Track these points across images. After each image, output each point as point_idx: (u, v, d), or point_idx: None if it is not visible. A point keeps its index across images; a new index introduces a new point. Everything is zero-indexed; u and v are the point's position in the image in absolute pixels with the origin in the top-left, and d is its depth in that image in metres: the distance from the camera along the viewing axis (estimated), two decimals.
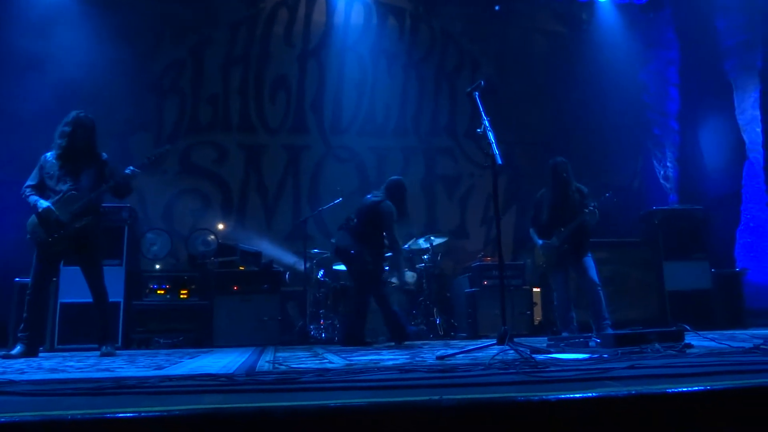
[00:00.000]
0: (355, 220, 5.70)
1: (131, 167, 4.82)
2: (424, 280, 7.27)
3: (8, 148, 6.92)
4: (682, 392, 1.50)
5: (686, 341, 3.17)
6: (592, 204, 5.28)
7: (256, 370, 2.83)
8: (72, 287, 5.87)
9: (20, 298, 5.73)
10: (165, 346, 6.36)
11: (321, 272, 7.29)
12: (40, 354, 4.83)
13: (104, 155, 4.89)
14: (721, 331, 6.18)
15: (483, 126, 3.59)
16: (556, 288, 5.54)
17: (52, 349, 5.98)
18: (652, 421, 1.46)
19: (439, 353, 3.39)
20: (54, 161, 4.72)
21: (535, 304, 7.41)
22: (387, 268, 6.52)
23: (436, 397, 1.44)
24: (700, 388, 1.53)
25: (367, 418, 1.38)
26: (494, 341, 3.32)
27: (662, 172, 9.33)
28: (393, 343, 5.46)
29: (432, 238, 7.43)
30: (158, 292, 6.67)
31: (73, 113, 4.75)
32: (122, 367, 3.23)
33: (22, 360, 4.22)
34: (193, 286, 6.76)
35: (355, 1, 9.24)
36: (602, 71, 9.16)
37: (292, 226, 8.35)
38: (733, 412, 1.50)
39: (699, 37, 8.91)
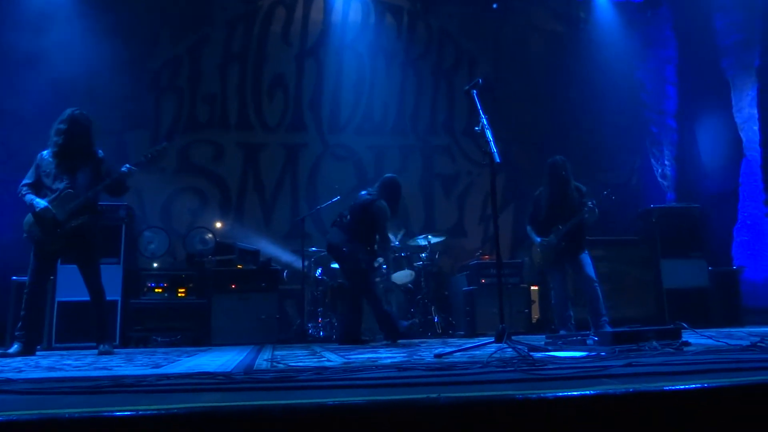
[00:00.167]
0: (348, 218, 5.68)
1: (127, 165, 4.80)
2: (422, 279, 7.27)
3: (5, 146, 6.91)
4: (680, 390, 1.51)
5: (683, 339, 3.18)
6: (591, 201, 5.29)
7: (254, 368, 2.82)
8: (69, 286, 5.86)
9: (18, 296, 5.73)
10: (163, 345, 6.36)
11: (319, 270, 7.29)
12: (38, 352, 4.82)
13: (100, 153, 4.87)
14: (719, 328, 6.20)
15: (481, 124, 3.59)
16: (554, 286, 5.55)
17: (49, 348, 5.98)
18: (650, 418, 1.46)
19: (437, 351, 3.39)
20: (50, 159, 4.70)
21: (533, 302, 7.42)
22: (384, 266, 6.52)
23: (434, 395, 1.44)
24: (697, 385, 1.53)
25: (365, 417, 1.38)
26: (492, 339, 3.32)
27: (660, 170, 9.34)
28: (388, 342, 5.45)
29: (430, 236, 7.44)
30: (156, 290, 6.66)
31: (69, 111, 4.73)
32: (120, 366, 3.22)
33: (19, 359, 4.21)
34: (190, 285, 6.76)
35: None
36: (600, 69, 9.17)
37: (290, 225, 8.35)
38: (731, 410, 1.51)
39: (697, 36, 8.92)
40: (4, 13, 7.53)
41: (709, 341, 3.50)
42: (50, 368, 3.14)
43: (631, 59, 9.51)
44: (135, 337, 6.45)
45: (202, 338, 6.55)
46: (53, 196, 4.63)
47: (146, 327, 6.51)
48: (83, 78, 7.55)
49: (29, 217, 4.64)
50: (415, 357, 3.28)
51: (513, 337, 3.31)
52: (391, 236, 6.06)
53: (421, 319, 7.06)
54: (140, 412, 1.34)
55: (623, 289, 7.11)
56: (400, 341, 5.38)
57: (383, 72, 9.30)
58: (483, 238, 9.07)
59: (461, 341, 5.44)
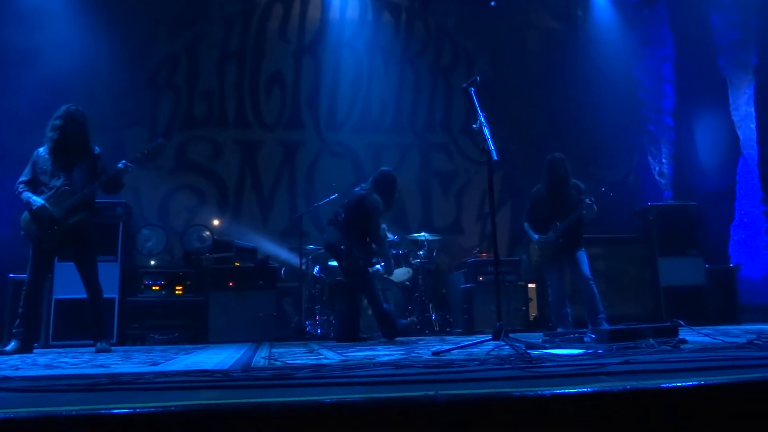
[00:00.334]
0: (343, 215, 5.65)
1: (124, 162, 4.79)
2: (419, 276, 7.27)
3: (1, 144, 6.88)
4: (677, 387, 1.51)
5: (680, 336, 3.19)
6: (590, 198, 5.30)
7: (252, 366, 2.82)
8: (66, 283, 5.83)
9: (15, 294, 5.72)
10: (160, 343, 6.34)
11: (317, 268, 7.29)
12: (35, 350, 4.81)
13: (97, 149, 4.86)
14: (715, 326, 6.22)
15: (479, 122, 3.59)
16: (551, 284, 5.56)
17: (46, 346, 5.96)
18: (647, 416, 1.46)
19: (434, 349, 3.40)
20: (46, 156, 4.69)
21: (531, 299, 7.43)
22: (380, 265, 6.51)
23: (432, 393, 1.44)
24: (694, 383, 1.54)
25: (363, 414, 1.39)
26: (490, 337, 3.33)
27: (657, 168, 9.35)
28: (386, 340, 5.45)
29: (426, 234, 7.45)
30: (153, 288, 6.65)
31: (64, 107, 4.72)
32: (117, 364, 3.22)
33: (16, 356, 4.20)
34: (188, 282, 6.75)
35: None
36: (597, 67, 9.17)
37: (287, 222, 8.35)
38: (728, 407, 1.51)
39: (694, 34, 8.92)
40: None
41: (706, 339, 3.51)
42: (47, 366, 3.14)
43: (629, 57, 9.52)
44: (132, 335, 6.45)
45: (199, 336, 6.54)
46: (50, 193, 4.62)
47: (143, 325, 6.49)
48: (79, 75, 7.53)
49: (26, 215, 4.63)
50: (412, 354, 3.28)
51: (510, 335, 3.31)
52: (388, 232, 6.00)
53: (418, 317, 7.07)
54: (138, 410, 1.34)
55: (620, 287, 7.12)
56: (397, 339, 5.38)
57: (381, 70, 9.29)
58: (480, 235, 9.08)
59: (459, 339, 5.44)
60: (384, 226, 5.77)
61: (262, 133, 8.84)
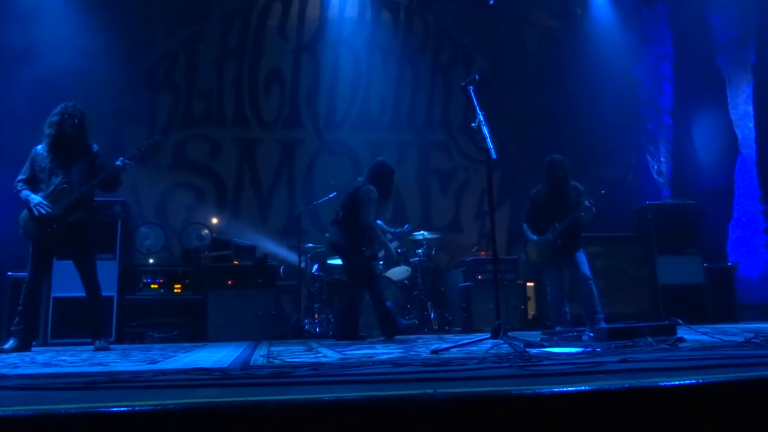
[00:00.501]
0: (341, 212, 5.63)
1: (122, 159, 4.78)
2: (418, 275, 7.28)
3: None
4: (675, 386, 1.51)
5: (678, 335, 3.19)
6: (589, 201, 5.30)
7: (251, 364, 2.82)
8: (65, 281, 5.84)
9: (13, 292, 5.72)
10: (159, 341, 6.35)
11: (315, 266, 7.28)
12: (33, 348, 4.81)
13: (95, 147, 4.86)
14: (713, 325, 6.23)
15: (477, 120, 3.58)
16: (550, 282, 5.56)
17: (45, 344, 5.96)
18: (645, 414, 1.47)
19: (433, 347, 3.40)
20: (45, 154, 4.69)
21: (529, 298, 7.44)
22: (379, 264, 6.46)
23: (431, 391, 1.44)
24: (692, 381, 1.54)
25: (362, 412, 1.39)
26: (488, 335, 3.33)
27: (656, 167, 9.36)
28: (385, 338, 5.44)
29: (425, 233, 7.45)
30: (152, 286, 6.65)
31: (62, 104, 4.73)
32: (116, 362, 3.22)
33: (15, 354, 4.20)
34: (187, 281, 6.74)
35: None
36: (596, 66, 9.17)
37: (286, 221, 8.35)
38: (725, 406, 1.51)
39: (693, 33, 8.92)
40: None
41: (704, 337, 3.52)
42: (46, 364, 3.14)
43: (628, 56, 9.52)
44: (131, 333, 6.45)
45: (198, 334, 6.54)
46: (48, 191, 4.62)
47: (142, 323, 6.50)
48: (78, 74, 7.52)
49: (25, 214, 4.62)
50: (411, 353, 3.28)
51: (509, 333, 3.31)
52: (380, 222, 5.86)
53: (417, 315, 7.07)
54: (136, 408, 1.34)
55: (619, 286, 7.13)
56: (396, 338, 5.38)
57: (380, 68, 9.29)
58: (479, 234, 9.08)
59: (457, 337, 5.44)
60: (380, 222, 5.72)
61: (260, 132, 8.84)
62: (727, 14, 8.47)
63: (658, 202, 8.01)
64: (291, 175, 8.77)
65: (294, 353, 3.64)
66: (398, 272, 7.17)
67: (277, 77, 8.99)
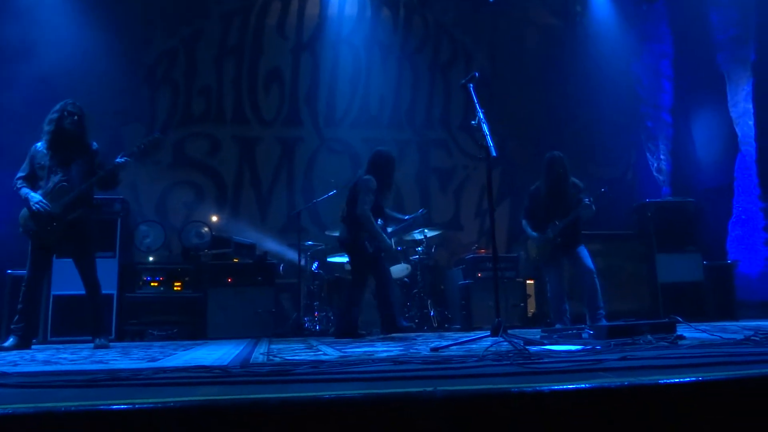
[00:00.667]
0: (346, 209, 5.59)
1: (121, 156, 4.78)
2: (418, 272, 7.27)
3: None
4: (674, 383, 1.51)
5: (678, 333, 3.20)
6: (588, 198, 5.29)
7: (251, 362, 2.83)
8: (65, 279, 5.85)
9: (13, 290, 5.72)
10: (159, 339, 6.35)
11: (315, 264, 7.29)
12: (33, 346, 4.82)
13: (95, 145, 4.86)
14: (713, 322, 6.23)
15: (477, 118, 3.58)
16: (550, 280, 5.56)
17: (45, 342, 5.97)
18: (645, 411, 1.47)
19: (433, 345, 3.40)
20: (44, 151, 4.68)
21: (529, 296, 7.44)
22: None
23: (430, 389, 1.44)
24: (691, 379, 1.54)
25: (361, 410, 1.39)
26: (488, 333, 3.33)
27: (655, 165, 9.36)
28: (384, 335, 5.43)
29: (425, 230, 7.44)
30: (152, 284, 6.65)
31: (62, 102, 4.73)
32: (116, 360, 3.22)
33: (15, 352, 4.20)
34: (186, 279, 6.75)
35: None
36: (596, 64, 9.17)
37: (286, 219, 8.35)
38: (725, 403, 1.52)
39: (692, 31, 8.92)
40: None
41: (704, 335, 3.52)
42: (46, 362, 3.14)
43: (627, 54, 9.51)
44: (131, 331, 6.45)
45: (198, 332, 6.54)
46: (48, 189, 4.61)
47: (142, 321, 6.50)
48: (77, 72, 7.50)
49: (24, 212, 4.62)
50: (411, 350, 3.28)
51: (509, 331, 3.31)
52: (392, 212, 5.74)
53: (417, 313, 7.07)
54: (136, 406, 1.34)
55: (618, 283, 7.13)
56: (395, 335, 5.37)
57: (379, 66, 9.28)
58: (479, 232, 9.09)
59: (457, 335, 5.44)
60: (380, 221, 5.68)
61: (260, 130, 8.84)
62: (726, 12, 8.47)
63: (658, 199, 8.01)
64: (291, 173, 8.78)
65: (294, 351, 3.64)
66: (398, 270, 7.17)
67: (276, 75, 8.98)
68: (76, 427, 1.30)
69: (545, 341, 3.30)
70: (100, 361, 3.09)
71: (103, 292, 5.00)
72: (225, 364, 2.66)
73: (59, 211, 4.59)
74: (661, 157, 9.37)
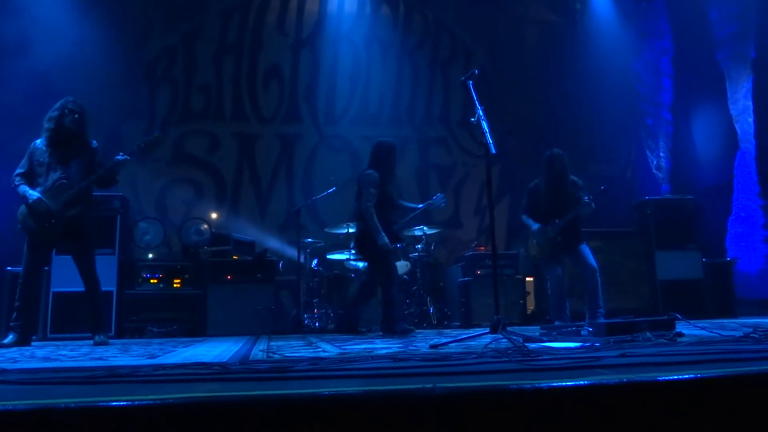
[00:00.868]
0: (354, 204, 5.51)
1: (122, 154, 4.78)
2: (417, 270, 7.28)
3: None
4: (673, 380, 1.51)
5: (677, 330, 3.20)
6: (588, 197, 5.29)
7: (250, 358, 2.83)
8: (64, 276, 5.85)
9: (12, 287, 5.71)
10: (158, 335, 6.35)
11: (315, 261, 7.29)
12: (33, 343, 4.82)
13: (94, 143, 4.85)
14: (712, 320, 6.23)
15: (477, 115, 3.58)
16: (550, 278, 5.56)
17: (44, 338, 5.97)
18: (644, 408, 1.47)
19: (432, 342, 3.40)
20: (43, 148, 4.68)
21: (528, 293, 7.44)
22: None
23: (430, 386, 1.44)
24: (690, 376, 1.54)
25: (361, 406, 1.39)
26: (487, 330, 3.33)
27: (655, 162, 9.36)
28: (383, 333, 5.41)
29: (424, 228, 7.45)
30: (151, 281, 6.65)
31: (63, 100, 4.72)
32: (115, 356, 3.22)
33: (14, 349, 4.20)
34: (186, 276, 6.75)
35: None
36: (595, 61, 9.17)
37: (285, 216, 8.34)
38: (724, 400, 1.52)
39: (692, 28, 8.91)
40: None
41: (703, 332, 3.52)
42: (45, 359, 3.14)
43: (627, 51, 9.51)
44: (130, 328, 6.45)
45: (197, 329, 6.54)
46: (46, 186, 4.61)
47: (141, 318, 6.50)
48: (76, 69, 7.50)
49: (23, 209, 4.62)
50: (410, 348, 3.28)
51: (508, 328, 3.32)
52: (404, 203, 5.68)
53: (416, 310, 7.08)
54: (136, 402, 1.34)
55: (618, 281, 7.13)
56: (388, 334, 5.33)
57: (379, 63, 9.28)
58: (478, 229, 9.09)
59: (456, 332, 5.45)
60: (405, 203, 5.59)
61: (259, 127, 8.83)
62: (726, 9, 8.46)
63: (658, 197, 8.00)
64: (290, 171, 8.77)
65: (293, 348, 3.65)
66: (398, 267, 7.15)
67: (276, 72, 8.97)
68: (76, 423, 1.30)
69: (544, 338, 3.29)
70: (100, 358, 3.10)
71: (103, 289, 5.00)
72: (224, 360, 2.66)
73: (58, 208, 4.59)
74: (661, 154, 9.37)
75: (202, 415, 1.34)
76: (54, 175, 4.63)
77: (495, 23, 9.65)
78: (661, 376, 1.53)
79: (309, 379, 1.80)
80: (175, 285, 6.70)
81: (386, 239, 5.14)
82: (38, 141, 4.73)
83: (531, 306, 7.50)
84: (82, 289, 4.84)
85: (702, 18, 8.67)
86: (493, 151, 3.47)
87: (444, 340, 3.38)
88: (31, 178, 4.69)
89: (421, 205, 5.60)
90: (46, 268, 5.86)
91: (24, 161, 4.73)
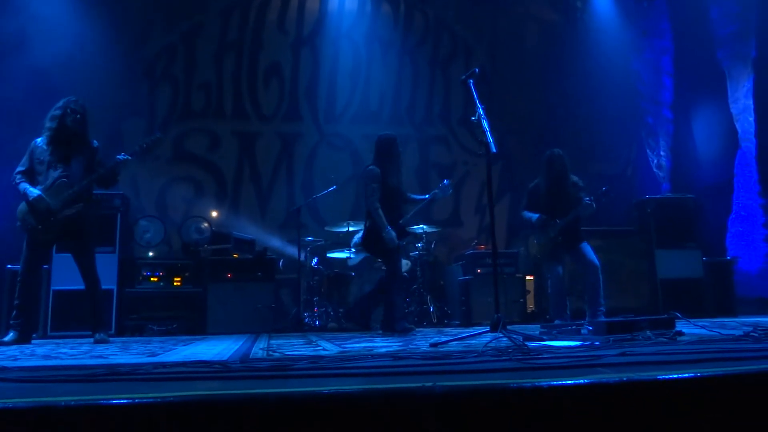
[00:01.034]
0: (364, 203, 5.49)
1: (123, 154, 4.78)
2: (417, 268, 7.28)
3: None
4: (673, 379, 1.52)
5: (677, 329, 3.20)
6: (589, 198, 5.27)
7: (250, 357, 2.83)
8: (64, 274, 5.85)
9: (12, 285, 5.71)
10: (158, 334, 6.35)
11: (315, 260, 7.29)
12: (33, 341, 4.82)
13: (95, 143, 4.86)
14: (712, 318, 6.24)
15: (477, 114, 3.57)
16: (550, 277, 5.56)
17: (45, 336, 5.97)
18: (644, 407, 1.47)
19: (432, 340, 3.41)
20: (44, 147, 4.69)
21: (528, 292, 7.44)
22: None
23: (430, 384, 1.44)
24: (690, 374, 1.54)
25: (361, 405, 1.39)
26: (487, 329, 3.33)
27: (655, 161, 9.36)
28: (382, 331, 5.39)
29: (424, 226, 7.45)
30: (152, 279, 6.66)
31: (65, 99, 4.74)
32: (116, 354, 3.22)
33: (15, 347, 4.20)
34: (186, 274, 6.75)
35: None
36: (596, 60, 9.16)
37: (286, 214, 8.34)
38: (723, 399, 1.52)
39: (693, 26, 8.91)
40: None
41: (703, 331, 3.52)
42: (46, 356, 3.14)
43: (628, 50, 9.50)
44: (130, 326, 6.45)
45: (197, 327, 6.55)
46: (47, 184, 4.62)
47: (142, 316, 6.50)
48: (76, 67, 7.49)
49: (23, 206, 4.62)
50: (410, 346, 3.28)
51: (508, 327, 3.32)
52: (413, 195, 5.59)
53: (416, 309, 7.08)
54: (136, 400, 1.34)
55: (618, 280, 7.13)
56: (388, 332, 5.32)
57: (379, 61, 9.27)
58: (479, 227, 9.09)
59: (457, 330, 5.45)
60: (413, 195, 5.56)
61: (260, 125, 8.83)
62: (727, 8, 8.46)
63: (658, 196, 8.00)
64: (290, 169, 8.77)
65: (293, 346, 3.65)
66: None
67: (276, 71, 8.97)
68: (76, 421, 1.31)
69: (544, 337, 3.30)
70: (100, 356, 3.10)
71: (103, 287, 5.01)
72: (224, 359, 2.66)
73: (58, 206, 4.59)
74: (661, 153, 9.36)
75: (203, 413, 1.34)
76: (54, 174, 4.64)
77: (495, 22, 9.65)
78: (661, 375, 1.53)
79: (309, 378, 1.80)
80: (175, 283, 6.70)
81: (393, 234, 5.10)
82: (39, 139, 4.74)
83: (531, 305, 7.50)
84: (82, 287, 4.84)
85: (703, 17, 8.67)
86: (494, 149, 3.46)
87: (444, 339, 3.39)
88: (31, 177, 4.69)
89: (427, 196, 5.52)
90: (46, 266, 5.86)
91: (25, 159, 4.73)
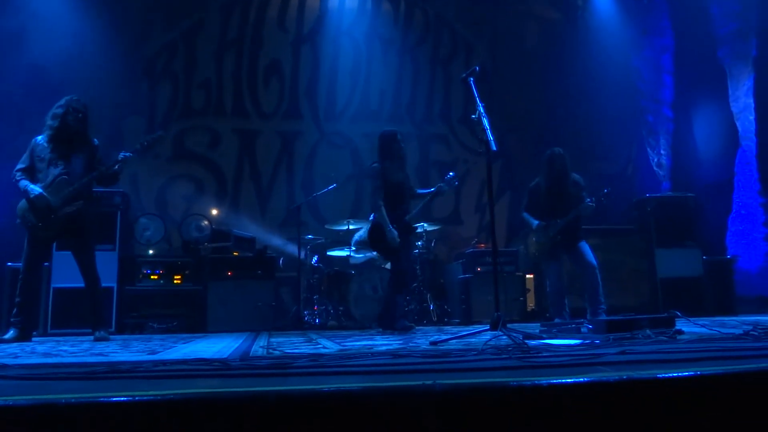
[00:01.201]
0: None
1: (124, 152, 4.79)
2: (418, 267, 7.28)
3: None
4: (673, 377, 1.52)
5: (677, 327, 3.20)
6: (590, 199, 5.27)
7: (250, 355, 2.83)
8: (65, 272, 5.85)
9: (12, 282, 5.72)
10: (159, 331, 6.36)
11: (315, 258, 7.29)
12: (34, 338, 4.82)
13: (96, 141, 4.87)
14: (712, 317, 6.24)
15: (478, 112, 3.57)
16: (550, 275, 5.56)
17: (45, 334, 5.98)
18: (643, 405, 1.47)
19: (432, 339, 3.41)
20: (45, 144, 4.69)
21: (528, 290, 7.45)
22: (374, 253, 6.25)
23: (430, 382, 1.44)
24: (690, 373, 1.54)
25: (361, 403, 1.39)
26: (487, 327, 3.33)
27: (655, 160, 9.35)
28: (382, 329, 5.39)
29: (425, 224, 7.44)
30: (152, 277, 6.66)
31: (66, 97, 4.74)
32: (116, 352, 3.23)
33: (15, 344, 4.21)
34: (186, 272, 6.75)
35: None
36: (596, 58, 9.15)
37: (286, 212, 8.34)
38: (723, 398, 1.52)
39: (693, 25, 8.90)
40: None
41: (703, 330, 3.52)
42: (46, 354, 3.14)
43: (628, 48, 9.50)
44: (131, 324, 6.46)
45: (197, 325, 6.55)
46: (47, 182, 4.62)
47: (142, 313, 6.51)
48: (75, 65, 7.49)
49: (23, 204, 4.62)
50: (410, 344, 3.29)
51: (508, 325, 3.32)
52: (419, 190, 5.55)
53: (416, 307, 7.08)
54: (136, 398, 1.34)
55: (618, 278, 7.13)
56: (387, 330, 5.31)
57: (380, 59, 9.26)
58: (479, 226, 9.09)
59: (457, 329, 5.45)
60: (420, 190, 5.56)
61: (260, 123, 8.82)
62: (727, 6, 8.45)
63: (658, 194, 7.99)
64: (290, 167, 8.77)
65: (293, 344, 3.65)
66: None
67: (276, 69, 8.96)
68: (77, 419, 1.31)
69: (544, 335, 3.30)
70: (101, 354, 3.10)
71: (103, 284, 5.01)
72: (225, 357, 2.67)
73: (59, 203, 4.59)
74: (662, 151, 9.36)
75: (203, 411, 1.34)
76: (55, 171, 4.64)
77: (496, 20, 9.64)
78: (661, 374, 1.53)
79: (309, 376, 1.80)
80: (175, 281, 6.70)
81: (394, 233, 5.09)
82: (40, 137, 4.75)
83: (531, 303, 7.51)
84: (82, 285, 4.85)
85: (703, 15, 8.66)
86: (494, 148, 3.46)
87: (444, 337, 3.39)
88: (31, 174, 4.70)
89: (432, 189, 5.48)
90: (46, 263, 5.85)
91: (25, 156, 4.74)
